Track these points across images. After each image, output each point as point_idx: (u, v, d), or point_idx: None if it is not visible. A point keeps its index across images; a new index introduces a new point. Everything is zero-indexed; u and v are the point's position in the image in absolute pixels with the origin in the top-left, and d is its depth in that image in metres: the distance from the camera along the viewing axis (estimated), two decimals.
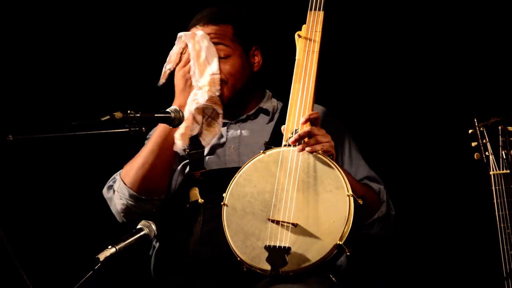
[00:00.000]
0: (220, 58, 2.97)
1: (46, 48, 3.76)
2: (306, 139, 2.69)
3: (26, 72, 3.74)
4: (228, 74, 2.97)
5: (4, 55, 3.71)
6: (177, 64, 2.97)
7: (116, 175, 2.98)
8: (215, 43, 2.97)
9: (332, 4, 2.86)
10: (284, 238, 2.61)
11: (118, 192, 2.92)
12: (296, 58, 2.83)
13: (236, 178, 2.71)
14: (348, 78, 3.69)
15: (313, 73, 2.80)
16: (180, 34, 2.99)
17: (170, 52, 2.99)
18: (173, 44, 3.02)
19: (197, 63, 2.94)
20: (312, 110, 2.77)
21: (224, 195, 2.70)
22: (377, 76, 3.69)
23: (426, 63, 3.64)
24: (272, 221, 2.64)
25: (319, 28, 2.83)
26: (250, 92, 3.06)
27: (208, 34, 2.98)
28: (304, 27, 2.85)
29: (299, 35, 2.84)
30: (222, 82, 2.97)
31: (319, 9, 2.84)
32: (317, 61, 2.81)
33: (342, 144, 2.97)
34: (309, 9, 2.85)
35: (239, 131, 3.03)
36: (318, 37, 2.82)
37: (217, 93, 2.92)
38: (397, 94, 3.66)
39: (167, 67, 2.98)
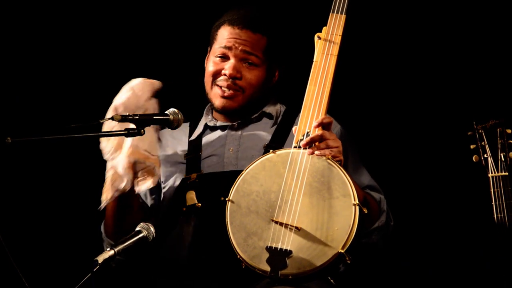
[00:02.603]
0: (247, 63, 2.97)
1: (46, 49, 3.75)
2: (316, 143, 2.68)
3: (26, 74, 3.74)
4: (248, 84, 2.98)
5: (4, 55, 3.71)
6: None
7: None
8: (247, 52, 2.97)
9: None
10: (286, 241, 2.60)
11: (105, 242, 2.96)
12: (314, 59, 2.80)
13: (243, 175, 2.69)
14: (347, 81, 3.68)
15: (329, 76, 2.76)
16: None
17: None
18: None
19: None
20: (326, 114, 2.75)
21: (223, 197, 2.70)
22: (375, 79, 3.69)
23: (425, 66, 3.63)
24: (276, 222, 2.62)
25: (340, 31, 2.79)
26: (261, 102, 3.06)
27: (243, 40, 2.97)
28: (324, 29, 2.81)
29: (318, 37, 2.80)
30: (240, 89, 2.98)
31: (342, 13, 2.80)
32: (335, 64, 2.78)
33: (345, 151, 2.97)
34: (331, 11, 2.81)
35: (239, 133, 3.03)
36: (338, 40, 2.78)
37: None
38: (395, 96, 3.66)
39: None
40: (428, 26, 3.60)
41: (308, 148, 2.67)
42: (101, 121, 2.57)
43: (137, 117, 2.61)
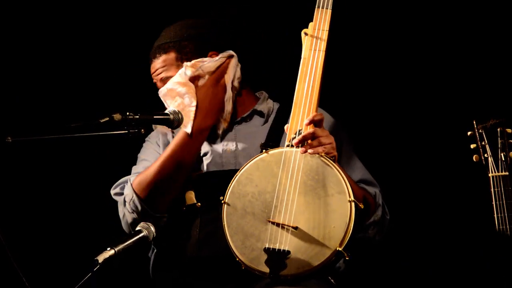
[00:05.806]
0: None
1: (46, 48, 3.75)
2: (309, 141, 2.66)
3: (26, 73, 3.74)
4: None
5: (4, 55, 3.71)
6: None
7: (126, 183, 2.90)
8: (164, 79, 2.93)
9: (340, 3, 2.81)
10: (284, 241, 2.59)
11: (129, 205, 2.84)
12: (302, 56, 2.76)
13: (237, 177, 2.68)
14: (347, 79, 3.69)
15: (318, 72, 2.72)
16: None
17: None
18: None
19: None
20: (317, 111, 2.72)
21: (223, 196, 2.69)
22: (375, 77, 3.69)
23: (425, 64, 3.63)
24: (273, 223, 2.61)
25: (327, 26, 2.75)
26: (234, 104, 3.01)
27: (155, 70, 2.95)
28: (310, 25, 2.77)
29: (305, 33, 2.77)
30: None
31: (327, 7, 2.76)
32: (323, 60, 2.73)
33: (339, 144, 2.95)
34: (316, 6, 2.77)
35: (234, 134, 3.01)
36: (325, 35, 2.74)
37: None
38: (395, 95, 3.66)
39: None
40: (429, 21, 3.60)
41: (301, 146, 2.65)
42: (101, 121, 2.57)
43: (137, 116, 2.61)
